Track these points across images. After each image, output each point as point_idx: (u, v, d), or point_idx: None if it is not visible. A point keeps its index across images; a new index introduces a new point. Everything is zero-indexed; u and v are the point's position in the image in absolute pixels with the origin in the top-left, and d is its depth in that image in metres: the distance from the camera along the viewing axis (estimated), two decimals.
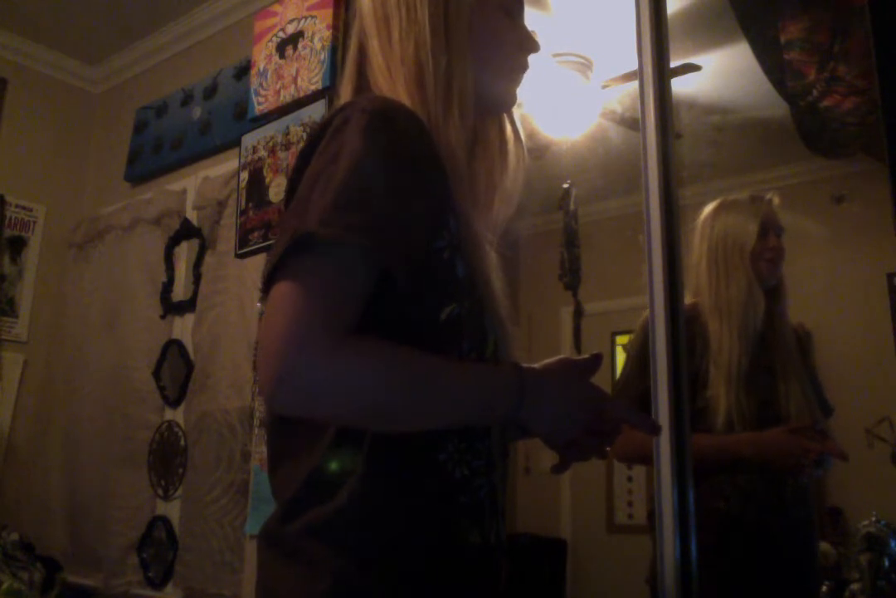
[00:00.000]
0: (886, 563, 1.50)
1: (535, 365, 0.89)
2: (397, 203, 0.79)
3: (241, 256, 2.29)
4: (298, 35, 2.28)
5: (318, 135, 0.85)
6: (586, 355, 0.93)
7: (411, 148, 0.82)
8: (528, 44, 1.03)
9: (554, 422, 0.86)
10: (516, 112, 1.07)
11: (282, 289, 0.75)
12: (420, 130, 0.84)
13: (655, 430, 0.98)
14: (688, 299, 1.58)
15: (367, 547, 0.79)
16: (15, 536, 2.40)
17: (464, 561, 0.83)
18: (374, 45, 0.96)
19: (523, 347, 2.15)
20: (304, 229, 0.75)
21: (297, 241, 0.75)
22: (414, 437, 0.81)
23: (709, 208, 1.70)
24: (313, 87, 2.19)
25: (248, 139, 2.35)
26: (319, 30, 2.22)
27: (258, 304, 2.19)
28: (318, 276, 0.75)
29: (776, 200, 1.66)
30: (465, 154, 0.91)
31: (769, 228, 1.64)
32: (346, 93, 0.99)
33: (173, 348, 2.52)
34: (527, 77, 1.05)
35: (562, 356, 0.92)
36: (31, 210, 3.02)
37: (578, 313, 2.18)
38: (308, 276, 0.75)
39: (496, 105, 1.03)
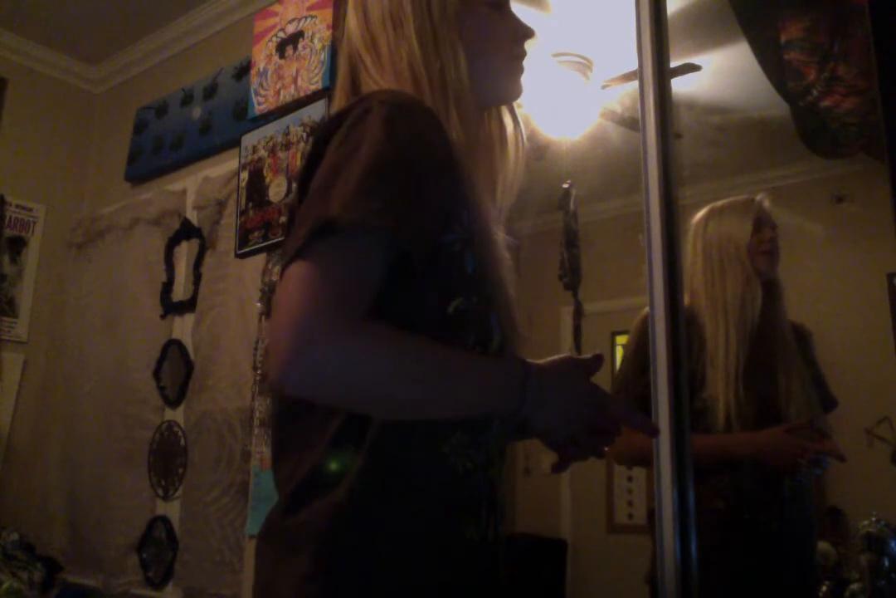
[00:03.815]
0: (886, 563, 1.50)
1: (540, 361, 0.89)
2: (417, 192, 0.79)
3: (241, 256, 2.29)
4: (298, 35, 2.28)
5: (335, 124, 0.85)
6: (588, 355, 0.93)
7: (429, 141, 0.83)
8: (522, 30, 1.03)
9: (556, 418, 0.87)
10: (516, 104, 1.07)
11: (300, 270, 0.74)
12: (436, 124, 0.85)
13: (655, 432, 0.98)
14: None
15: (368, 541, 0.79)
16: (15, 536, 2.40)
17: (462, 556, 0.83)
18: (367, 64, 0.97)
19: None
20: (328, 215, 0.75)
21: (320, 226, 0.75)
22: (418, 429, 0.81)
23: (700, 213, 1.70)
24: (313, 87, 2.19)
25: (248, 139, 2.35)
26: (319, 30, 2.22)
27: (258, 304, 2.19)
28: (339, 259, 0.75)
29: (766, 202, 1.67)
30: (466, 155, 0.90)
31: (763, 223, 1.64)
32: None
33: (173, 348, 2.52)
34: (527, 73, 1.04)
35: (565, 354, 0.92)
36: (31, 210, 3.02)
37: (578, 313, 2.18)
38: (328, 259, 0.75)
39: (502, 98, 1.04)
